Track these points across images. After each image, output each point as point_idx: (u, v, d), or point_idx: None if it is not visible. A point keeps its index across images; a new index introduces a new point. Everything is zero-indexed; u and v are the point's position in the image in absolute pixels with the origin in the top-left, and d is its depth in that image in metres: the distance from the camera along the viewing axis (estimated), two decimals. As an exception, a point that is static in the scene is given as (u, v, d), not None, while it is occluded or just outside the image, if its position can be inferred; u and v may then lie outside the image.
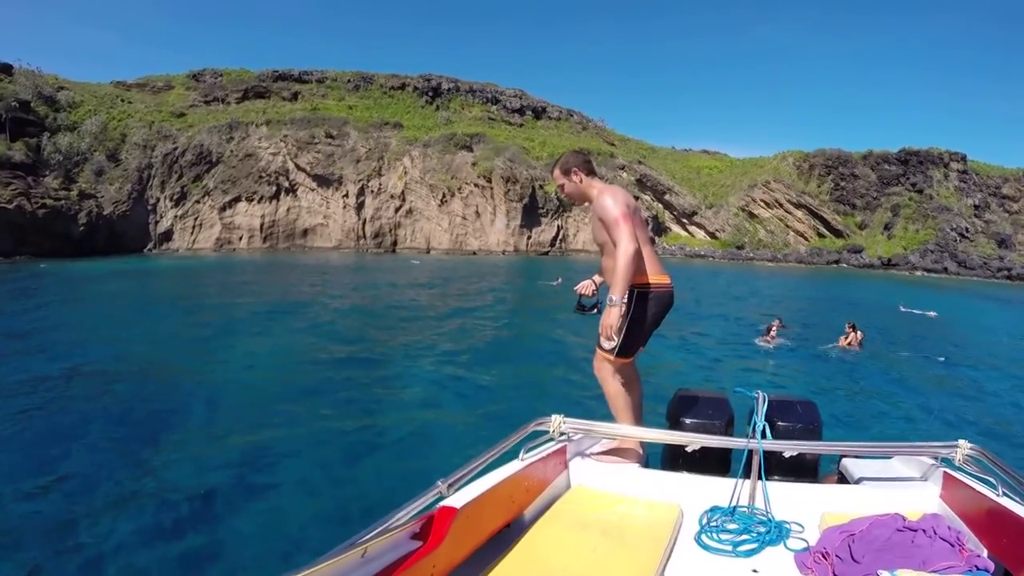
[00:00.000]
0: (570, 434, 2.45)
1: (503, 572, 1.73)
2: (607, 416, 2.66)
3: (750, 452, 2.19)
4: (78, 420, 7.81)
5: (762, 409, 2.37)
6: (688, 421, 2.63)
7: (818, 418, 2.62)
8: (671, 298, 2.47)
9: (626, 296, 2.34)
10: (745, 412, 2.59)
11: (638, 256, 2.32)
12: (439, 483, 1.77)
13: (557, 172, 2.52)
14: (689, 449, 2.41)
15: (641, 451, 2.61)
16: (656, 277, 2.41)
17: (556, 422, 2.37)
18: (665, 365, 10.34)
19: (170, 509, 5.37)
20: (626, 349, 2.45)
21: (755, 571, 1.75)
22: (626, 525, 2.01)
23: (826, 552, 1.67)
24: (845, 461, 2.50)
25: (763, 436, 2.27)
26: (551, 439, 2.36)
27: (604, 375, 2.55)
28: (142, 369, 10.44)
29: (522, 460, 2.13)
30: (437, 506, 1.66)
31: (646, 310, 2.42)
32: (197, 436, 7.22)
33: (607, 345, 2.41)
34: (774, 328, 12.62)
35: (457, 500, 1.71)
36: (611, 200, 2.33)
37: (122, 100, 56.16)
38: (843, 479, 2.44)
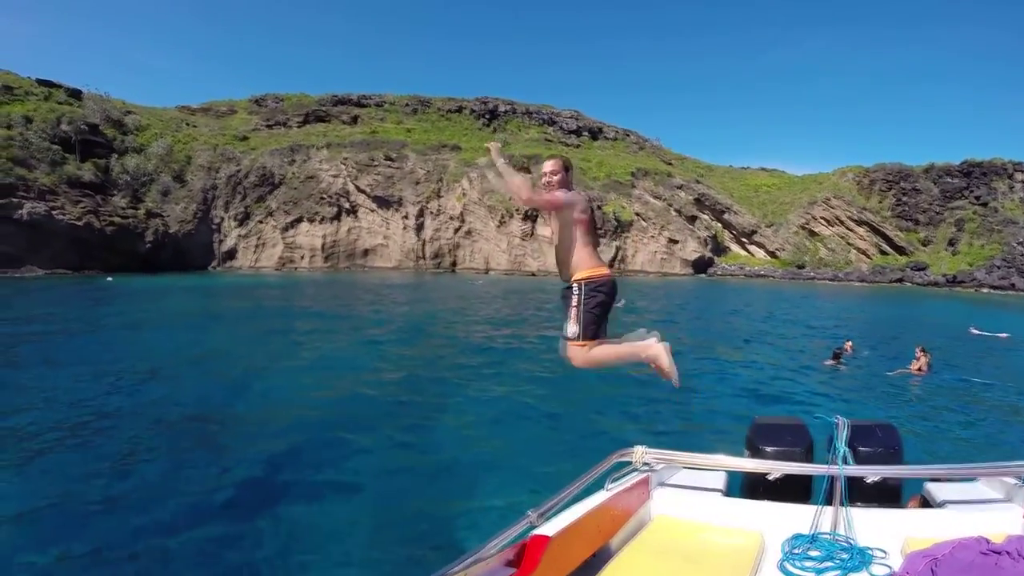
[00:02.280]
0: (652, 464, 2.50)
1: None
2: (688, 445, 2.64)
3: (832, 478, 2.19)
4: (140, 429, 7.76)
5: (843, 434, 2.38)
6: (768, 449, 2.63)
7: (899, 441, 2.57)
8: (614, 286, 2.62)
9: (579, 290, 2.53)
10: (823, 437, 2.60)
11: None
12: (530, 513, 1.82)
13: (551, 162, 2.75)
14: (770, 477, 2.41)
15: (723, 480, 2.60)
16: (595, 269, 2.57)
17: (639, 453, 2.44)
18: (735, 391, 10.18)
19: (227, 527, 5.23)
20: (590, 331, 2.54)
21: None
22: (709, 553, 2.04)
23: None
24: (928, 485, 2.44)
25: (844, 461, 2.27)
26: (635, 469, 2.42)
27: (578, 359, 2.60)
28: (205, 383, 10.33)
29: (608, 490, 2.19)
30: (529, 535, 1.71)
31: (594, 299, 2.57)
32: (256, 454, 6.98)
33: (570, 333, 2.52)
34: (843, 351, 12.25)
35: (548, 529, 1.76)
36: (563, 193, 2.61)
37: (187, 124, 58.40)
38: (926, 503, 2.38)
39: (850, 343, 12.90)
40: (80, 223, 40.25)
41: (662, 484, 2.55)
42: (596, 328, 2.54)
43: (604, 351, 2.58)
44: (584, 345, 2.54)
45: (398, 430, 7.95)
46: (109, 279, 35.04)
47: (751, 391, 10.24)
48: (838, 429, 2.41)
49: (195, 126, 57.99)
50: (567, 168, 2.73)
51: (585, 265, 2.51)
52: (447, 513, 5.74)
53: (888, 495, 2.42)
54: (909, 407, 9.28)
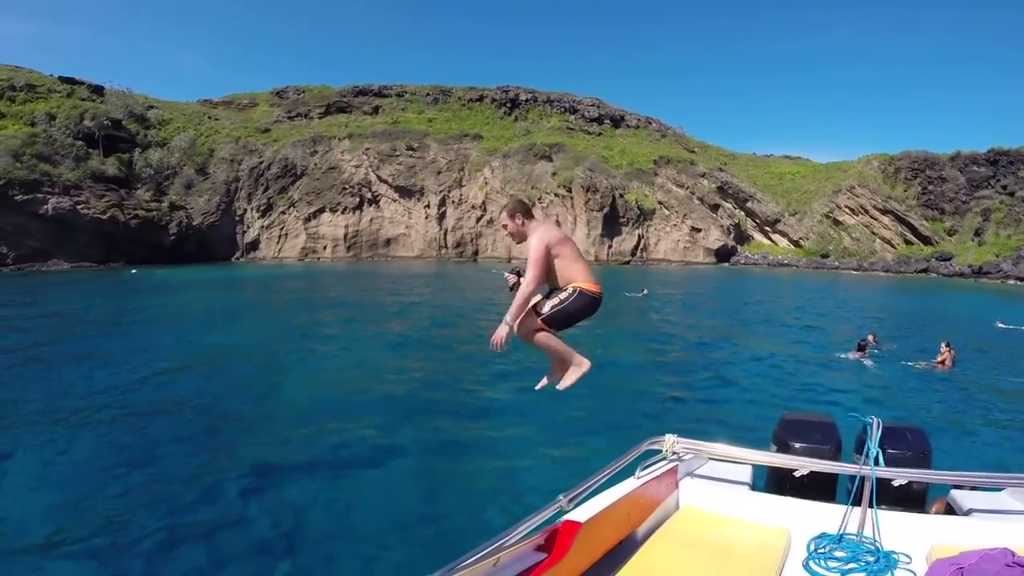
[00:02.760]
0: (681, 454, 2.50)
1: None
2: (716, 436, 2.65)
3: (862, 479, 2.17)
4: (165, 414, 7.87)
5: (876, 435, 2.34)
6: (797, 445, 2.60)
7: (928, 446, 2.54)
8: (598, 302, 2.80)
9: (573, 291, 2.74)
10: (851, 436, 2.58)
11: (535, 292, 2.76)
12: (560, 497, 1.83)
13: (504, 215, 2.93)
14: (797, 474, 2.39)
15: (749, 474, 2.59)
16: (590, 284, 2.76)
17: (669, 442, 2.44)
18: (759, 384, 10.09)
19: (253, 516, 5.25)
20: (554, 321, 2.69)
21: None
22: (736, 548, 2.03)
23: None
24: (953, 492, 2.42)
25: (876, 463, 2.23)
26: (663, 458, 2.42)
27: (525, 330, 2.72)
28: (228, 371, 10.37)
29: (638, 478, 2.19)
30: (561, 520, 1.73)
31: (579, 303, 2.73)
32: (280, 442, 7.02)
33: (546, 308, 2.67)
34: (867, 344, 12.15)
35: (579, 515, 1.77)
36: (535, 241, 2.77)
37: (209, 117, 58.94)
38: (950, 509, 2.38)
39: (873, 335, 12.80)
40: (104, 217, 40.84)
41: (689, 475, 2.56)
42: (562, 324, 2.74)
43: (549, 337, 2.77)
44: (541, 327, 2.74)
45: (426, 416, 7.90)
46: (133, 271, 35.61)
47: (775, 384, 10.18)
48: (872, 429, 2.37)
49: (217, 119, 58.51)
50: (516, 211, 2.89)
51: (582, 278, 2.71)
52: (477, 496, 5.77)
53: (914, 499, 2.38)
54: (933, 404, 9.09)
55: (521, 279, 2.84)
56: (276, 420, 7.93)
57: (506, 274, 3.07)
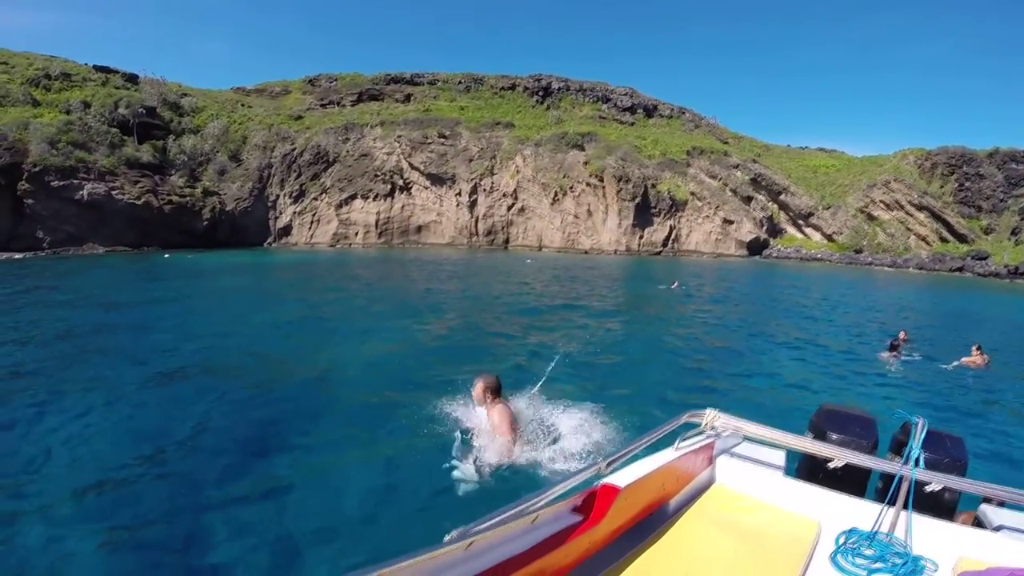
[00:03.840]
0: (719, 430, 2.48)
1: (650, 557, 1.78)
2: (752, 417, 2.63)
3: (899, 479, 2.12)
4: (194, 398, 7.97)
5: (920, 436, 2.30)
6: (834, 436, 2.59)
7: (966, 455, 2.52)
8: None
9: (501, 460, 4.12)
10: (887, 435, 2.54)
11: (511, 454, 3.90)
12: (599, 461, 1.84)
13: (480, 384, 4.08)
14: (831, 465, 2.37)
15: (782, 458, 2.58)
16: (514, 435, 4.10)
17: (709, 416, 2.43)
18: (789, 376, 10.03)
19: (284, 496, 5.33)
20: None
21: None
22: (767, 534, 2.02)
23: None
24: (983, 506, 2.38)
25: (916, 464, 2.19)
26: (701, 432, 2.42)
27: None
28: (258, 355, 10.49)
29: (676, 450, 2.19)
30: (599, 483, 1.75)
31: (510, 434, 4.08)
32: (311, 429, 7.01)
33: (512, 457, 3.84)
34: (899, 343, 11.99)
35: (617, 480, 1.79)
36: (499, 419, 3.74)
37: (242, 105, 59.63)
38: (979, 523, 2.34)
39: (904, 332, 12.59)
40: (139, 202, 41.59)
41: (725, 452, 2.56)
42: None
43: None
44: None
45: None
46: (166, 256, 36.32)
47: (804, 378, 10.08)
48: (916, 430, 2.33)
49: (250, 107, 59.16)
50: (488, 388, 4.12)
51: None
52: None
53: (944, 507, 2.34)
54: (961, 409, 8.86)
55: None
56: (304, 396, 8.03)
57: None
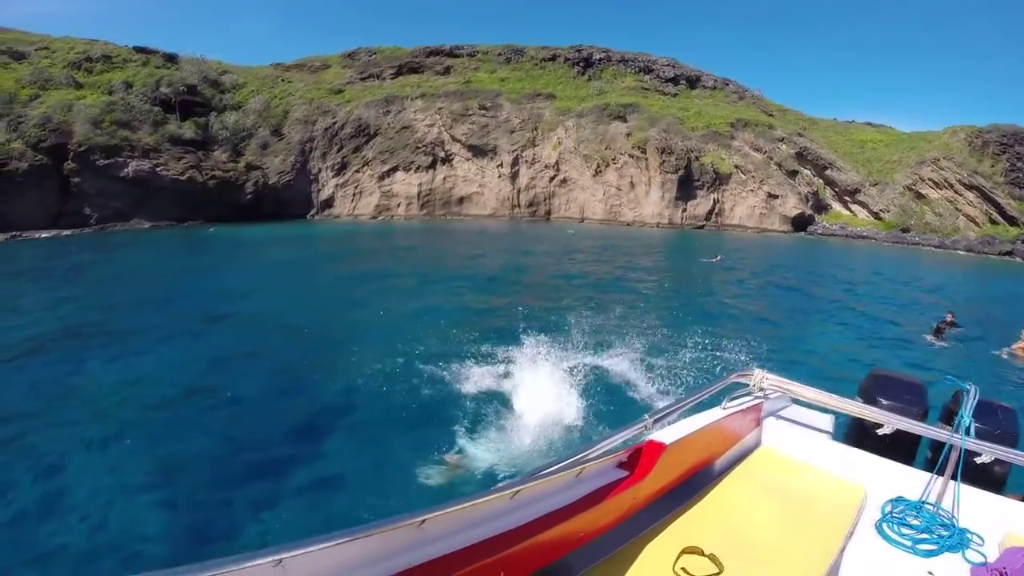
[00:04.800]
0: (767, 391, 2.44)
1: (695, 516, 1.76)
2: (802, 379, 2.55)
3: (949, 448, 2.07)
4: (239, 362, 8.39)
5: (971, 404, 2.22)
6: (884, 402, 2.51)
7: (1018, 427, 2.40)
8: None
9: None
10: (938, 404, 2.50)
11: None
12: (646, 417, 1.81)
13: None
14: (880, 431, 2.30)
15: (830, 423, 2.50)
16: None
17: (757, 376, 2.40)
18: (835, 350, 9.80)
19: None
20: None
21: (931, 573, 1.70)
22: (813, 497, 1.98)
23: (1004, 572, 1.60)
24: None
25: (967, 433, 2.11)
26: (749, 393, 2.39)
27: None
28: (303, 319, 10.69)
29: (724, 409, 2.16)
30: (645, 439, 1.73)
31: None
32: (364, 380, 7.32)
33: None
34: (946, 325, 11.89)
35: (663, 437, 1.76)
36: None
37: (282, 80, 60.30)
38: None
39: (951, 314, 12.39)
40: (183, 178, 42.65)
41: (772, 414, 2.50)
42: None
43: None
44: None
45: (497, 368, 8.12)
46: (211, 229, 37.34)
47: (853, 353, 10.03)
48: (967, 398, 2.24)
49: (290, 82, 59.81)
50: None
51: None
52: (560, 414, 6.04)
53: (994, 480, 2.25)
54: (1014, 388, 8.69)
55: None
56: (350, 358, 8.33)
57: None
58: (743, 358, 8.48)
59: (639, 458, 1.69)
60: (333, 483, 5.10)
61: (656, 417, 1.87)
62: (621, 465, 1.68)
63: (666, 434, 1.82)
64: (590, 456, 1.55)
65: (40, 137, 34.97)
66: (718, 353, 8.78)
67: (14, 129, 34.87)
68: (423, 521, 1.09)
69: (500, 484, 1.31)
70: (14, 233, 31.61)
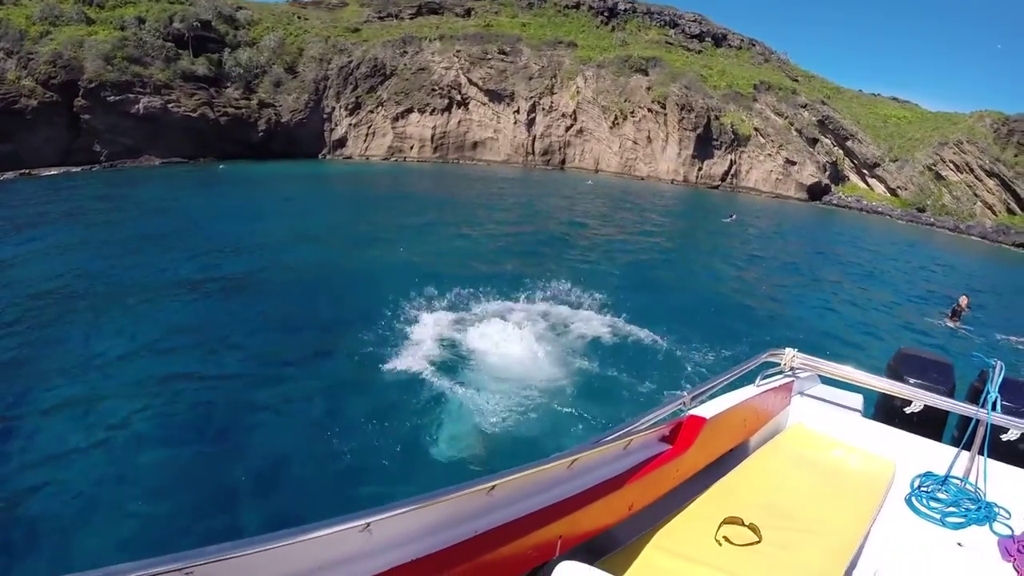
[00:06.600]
0: (798, 370, 2.50)
1: (732, 490, 1.81)
2: (830, 357, 2.60)
3: (976, 423, 2.10)
4: (246, 303, 8.37)
5: (997, 380, 2.25)
6: (911, 380, 2.55)
7: None
8: None
9: None
10: (964, 384, 2.55)
11: None
12: (684, 394, 1.88)
13: None
14: (908, 409, 2.35)
15: (859, 401, 2.56)
16: None
17: (789, 356, 2.44)
18: (851, 341, 9.81)
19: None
20: None
21: (960, 544, 1.75)
22: (843, 472, 2.05)
23: None
24: None
25: (994, 408, 2.14)
26: (780, 372, 2.44)
27: None
28: (316, 257, 10.51)
29: (757, 386, 2.22)
30: (686, 414, 1.80)
31: None
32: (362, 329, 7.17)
33: None
34: (961, 309, 11.94)
35: (703, 412, 1.83)
36: None
37: (298, 17, 59.01)
38: None
39: (967, 297, 12.40)
40: (195, 115, 42.01)
41: (802, 393, 2.57)
42: None
43: None
44: None
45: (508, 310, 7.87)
46: (221, 166, 37.17)
47: (871, 337, 9.99)
48: (993, 373, 2.27)
49: (306, 19, 58.55)
50: None
51: None
52: (597, 386, 6.05)
53: (1020, 455, 2.26)
54: None
55: None
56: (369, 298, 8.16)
57: None
58: (761, 328, 8.59)
59: (680, 431, 1.75)
60: (347, 424, 5.03)
61: (693, 394, 1.93)
62: (664, 439, 1.73)
63: (704, 409, 1.88)
64: (635, 429, 1.61)
65: (50, 74, 34.22)
66: (735, 322, 8.93)
67: (24, 66, 34.12)
68: (492, 487, 1.14)
69: (556, 455, 1.35)
70: (24, 170, 31.26)
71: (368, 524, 0.90)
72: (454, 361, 6.52)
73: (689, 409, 1.87)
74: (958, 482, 2.06)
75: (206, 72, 45.40)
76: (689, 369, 6.73)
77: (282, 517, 4.16)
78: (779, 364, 2.48)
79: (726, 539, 1.59)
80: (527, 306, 7.98)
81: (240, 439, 4.92)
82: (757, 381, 2.28)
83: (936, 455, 2.21)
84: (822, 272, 16.26)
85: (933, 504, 1.95)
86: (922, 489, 2.03)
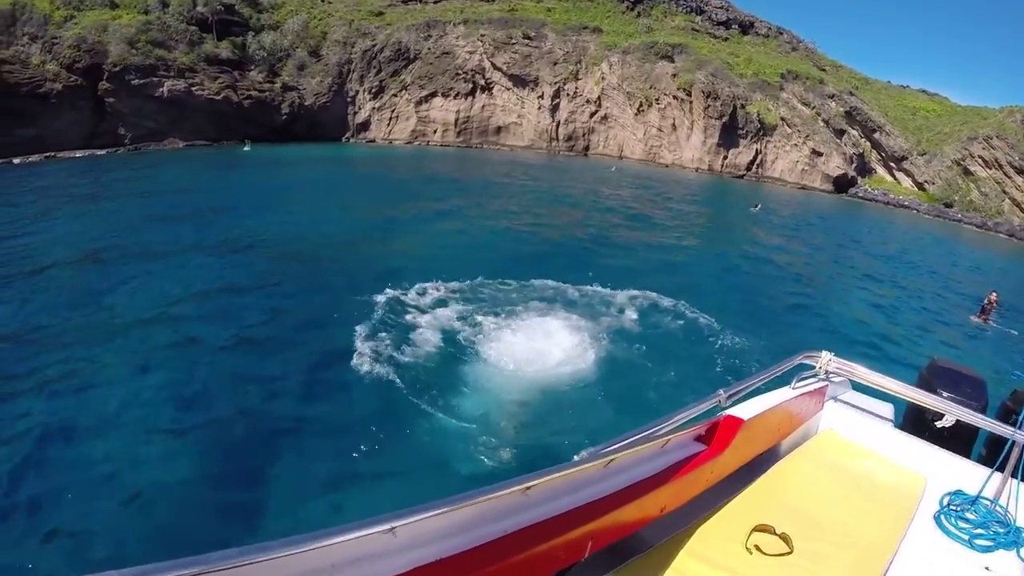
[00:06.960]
0: (832, 374, 2.43)
1: (765, 493, 1.78)
2: (861, 356, 2.93)
3: (1011, 444, 2.02)
4: (266, 279, 8.66)
5: None
6: (944, 393, 2.52)
7: None
8: None
9: None
10: (996, 400, 2.60)
11: None
12: (720, 392, 1.82)
13: None
14: (939, 423, 2.32)
15: (890, 410, 2.49)
16: None
17: (824, 359, 2.38)
18: (880, 325, 9.66)
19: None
20: None
21: (987, 569, 1.69)
22: (876, 483, 2.01)
23: None
24: None
25: None
26: (815, 375, 2.37)
27: None
28: (341, 234, 10.56)
29: (793, 389, 2.19)
30: (722, 415, 1.77)
31: None
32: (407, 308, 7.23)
33: None
34: (991, 305, 11.75)
35: (740, 412, 1.80)
36: None
37: (322, 1, 59.21)
38: None
39: (995, 294, 12.20)
40: (218, 98, 42.26)
41: (834, 399, 2.52)
42: None
43: None
44: None
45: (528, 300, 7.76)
46: (246, 148, 37.24)
47: (899, 331, 9.92)
48: None
49: (330, 3, 58.68)
50: None
51: None
52: (627, 376, 6.03)
53: None
54: None
55: None
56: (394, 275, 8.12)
57: None
58: (786, 325, 8.51)
59: (716, 432, 1.71)
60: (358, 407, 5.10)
61: (729, 392, 1.88)
62: (699, 439, 1.70)
63: (741, 410, 1.85)
64: (670, 427, 1.58)
65: (75, 58, 34.53)
66: (759, 313, 8.85)
67: (48, 51, 34.42)
68: (528, 487, 1.12)
69: (583, 453, 1.31)
70: (49, 153, 31.66)
71: (393, 528, 0.88)
72: (475, 349, 6.64)
73: (726, 408, 1.84)
74: (987, 503, 1.98)
75: (230, 55, 45.68)
76: (719, 362, 6.70)
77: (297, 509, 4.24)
78: (814, 367, 2.42)
79: (757, 548, 1.56)
80: (554, 295, 8.00)
81: (259, 427, 5.10)
82: (793, 383, 2.24)
83: (966, 473, 2.14)
84: (849, 265, 16.19)
85: (962, 524, 1.89)
86: (951, 507, 1.96)
